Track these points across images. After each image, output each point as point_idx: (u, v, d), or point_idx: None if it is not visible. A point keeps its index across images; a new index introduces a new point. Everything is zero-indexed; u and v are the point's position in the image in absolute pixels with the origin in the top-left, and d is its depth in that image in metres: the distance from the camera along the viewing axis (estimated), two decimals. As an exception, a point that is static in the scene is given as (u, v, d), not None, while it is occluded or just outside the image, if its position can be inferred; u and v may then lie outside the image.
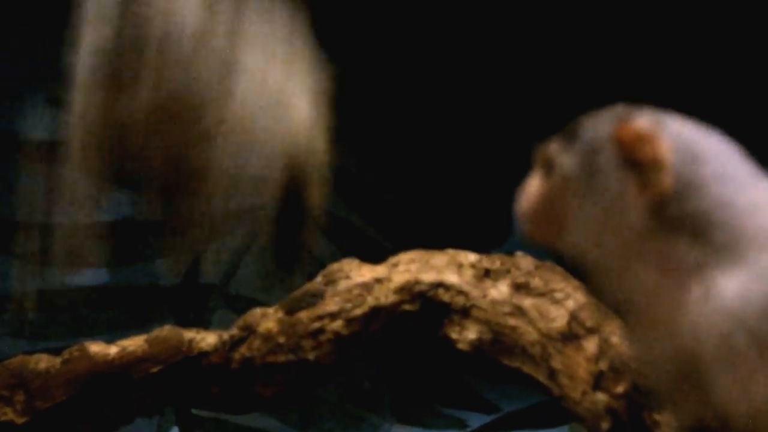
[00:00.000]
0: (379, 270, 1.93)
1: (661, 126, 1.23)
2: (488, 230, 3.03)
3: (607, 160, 1.25)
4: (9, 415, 1.94)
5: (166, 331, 1.94)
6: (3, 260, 2.90)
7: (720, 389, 1.21)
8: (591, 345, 1.85)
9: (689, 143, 1.22)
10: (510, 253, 1.96)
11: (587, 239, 1.27)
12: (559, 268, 1.93)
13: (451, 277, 1.92)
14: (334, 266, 1.96)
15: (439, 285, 1.92)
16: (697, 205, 1.23)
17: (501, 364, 1.92)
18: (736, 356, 1.19)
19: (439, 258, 1.94)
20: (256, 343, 1.92)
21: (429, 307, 1.88)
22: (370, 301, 1.91)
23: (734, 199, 1.23)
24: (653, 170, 1.22)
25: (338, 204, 3.12)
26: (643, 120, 1.24)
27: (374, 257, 1.99)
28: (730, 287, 1.21)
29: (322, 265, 1.99)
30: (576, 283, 1.91)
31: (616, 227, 1.24)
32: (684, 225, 1.21)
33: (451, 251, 1.95)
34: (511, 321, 1.89)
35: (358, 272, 1.94)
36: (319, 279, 1.95)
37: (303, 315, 1.91)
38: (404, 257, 1.93)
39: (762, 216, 1.22)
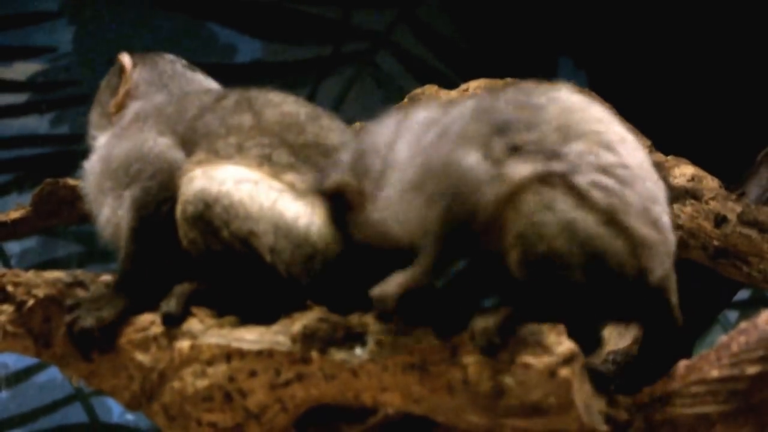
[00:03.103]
0: (453, 94, 2.18)
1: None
2: (537, 65, 3.26)
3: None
4: None
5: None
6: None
7: None
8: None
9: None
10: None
11: None
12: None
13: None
14: (418, 90, 2.22)
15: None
16: None
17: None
18: None
19: (500, 84, 2.15)
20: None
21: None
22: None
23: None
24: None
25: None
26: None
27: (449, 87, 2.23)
28: None
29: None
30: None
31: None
32: None
33: (509, 80, 2.18)
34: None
35: (437, 96, 2.18)
36: (405, 101, 2.20)
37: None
38: (473, 84, 2.19)
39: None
